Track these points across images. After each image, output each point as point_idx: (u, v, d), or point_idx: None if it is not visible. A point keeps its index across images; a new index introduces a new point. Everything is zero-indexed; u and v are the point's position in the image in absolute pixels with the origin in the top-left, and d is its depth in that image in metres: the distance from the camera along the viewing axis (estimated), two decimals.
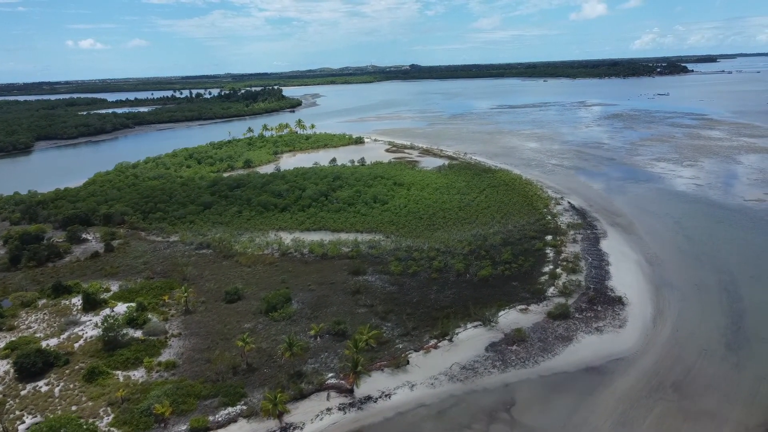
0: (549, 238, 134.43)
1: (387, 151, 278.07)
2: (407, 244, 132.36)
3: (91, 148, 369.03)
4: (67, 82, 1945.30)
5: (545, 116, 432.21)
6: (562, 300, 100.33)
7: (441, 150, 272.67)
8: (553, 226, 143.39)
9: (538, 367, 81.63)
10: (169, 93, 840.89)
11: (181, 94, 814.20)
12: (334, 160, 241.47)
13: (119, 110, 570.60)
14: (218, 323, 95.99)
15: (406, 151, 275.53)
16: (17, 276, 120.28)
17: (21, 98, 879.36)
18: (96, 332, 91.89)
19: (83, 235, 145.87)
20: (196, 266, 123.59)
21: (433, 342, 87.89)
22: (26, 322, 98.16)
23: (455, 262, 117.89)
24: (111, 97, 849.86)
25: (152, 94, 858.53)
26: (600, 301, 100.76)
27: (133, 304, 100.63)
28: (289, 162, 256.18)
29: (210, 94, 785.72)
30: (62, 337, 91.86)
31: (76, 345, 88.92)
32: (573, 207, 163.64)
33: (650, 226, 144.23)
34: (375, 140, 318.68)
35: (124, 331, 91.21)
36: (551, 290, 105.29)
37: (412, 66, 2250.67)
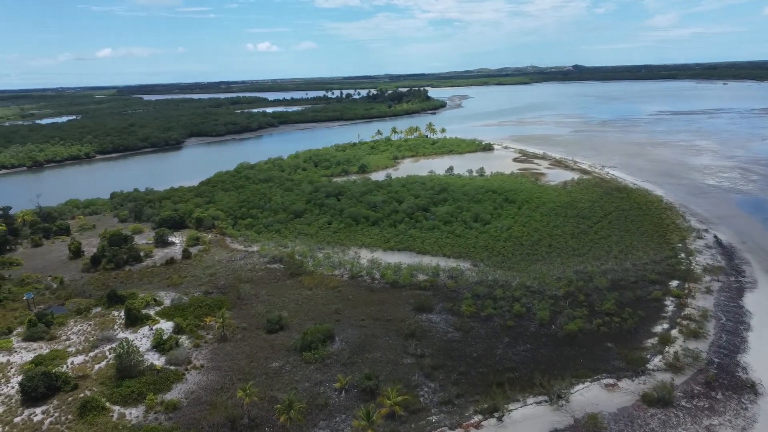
0: (674, 284, 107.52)
1: (514, 160, 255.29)
2: (494, 277, 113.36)
3: (233, 145, 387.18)
4: (242, 82, 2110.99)
5: (714, 125, 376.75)
6: (667, 377, 76.29)
7: (575, 162, 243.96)
8: (684, 267, 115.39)
9: None
10: (321, 93, 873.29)
11: (333, 94, 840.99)
12: (450, 168, 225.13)
13: (270, 109, 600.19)
14: (246, 358, 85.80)
15: (536, 161, 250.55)
16: (83, 280, 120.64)
17: (196, 96, 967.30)
18: None
19: (170, 239, 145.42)
20: (258, 283, 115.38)
21: (476, 419, 69.69)
22: (68, 333, 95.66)
23: (541, 307, 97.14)
24: (272, 96, 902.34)
25: (306, 93, 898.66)
26: (722, 386, 75.12)
27: (165, 325, 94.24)
28: (407, 168, 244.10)
29: (359, 94, 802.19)
30: (90, 355, 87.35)
31: (97, 366, 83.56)
32: (719, 243, 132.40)
33: None
34: (505, 147, 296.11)
35: (146, 356, 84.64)
36: (656, 361, 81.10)
37: (575, 66, 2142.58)
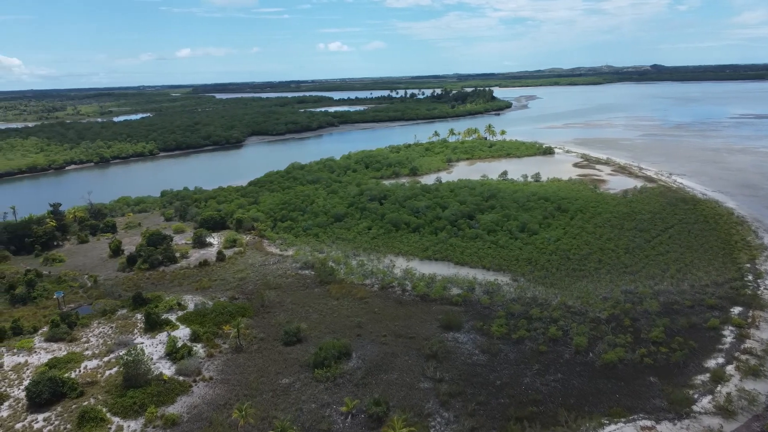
0: (736, 311, 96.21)
1: (575, 165, 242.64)
2: (533, 294, 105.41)
3: (292, 145, 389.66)
4: (312, 81, 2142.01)
5: None
6: (715, 423, 66.91)
7: (641, 168, 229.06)
8: (749, 292, 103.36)
9: None
10: (386, 93, 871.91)
11: (397, 94, 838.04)
12: (504, 173, 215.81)
13: (332, 109, 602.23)
14: (257, 371, 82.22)
15: (598, 167, 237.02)
16: (116, 279, 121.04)
17: (265, 95, 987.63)
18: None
19: (208, 240, 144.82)
20: (285, 290, 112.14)
21: None
22: (89, 335, 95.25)
23: (579, 332, 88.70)
24: (337, 95, 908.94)
25: (371, 93, 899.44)
26: None
27: (183, 331, 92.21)
28: (460, 172, 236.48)
29: (423, 94, 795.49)
30: (104, 360, 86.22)
31: (108, 372, 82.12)
32: None
33: None
34: (567, 151, 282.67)
35: (157, 365, 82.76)
36: (705, 402, 71.52)
37: (654, 66, 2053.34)
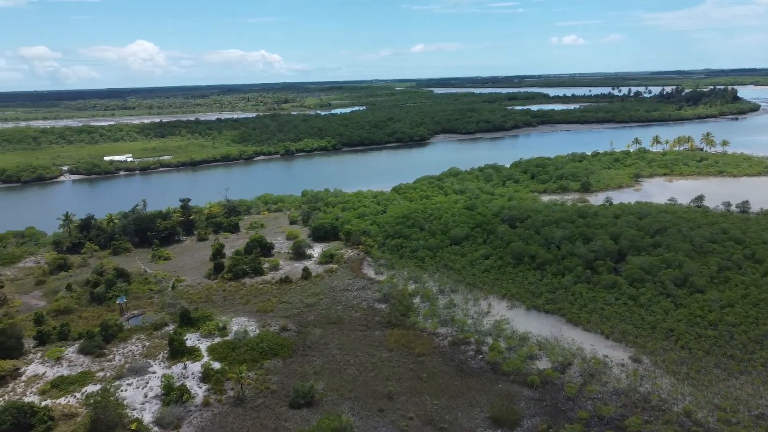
0: None
1: None
2: (650, 388, 74.87)
3: (480, 145, 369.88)
4: (539, 76, 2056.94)
5: None
6: None
7: None
8: None
9: None
10: (607, 90, 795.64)
11: (620, 92, 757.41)
12: (700, 197, 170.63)
13: (534, 107, 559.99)
14: None
15: None
16: (192, 288, 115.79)
17: (478, 91, 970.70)
18: (133, 394, 76.60)
19: (309, 251, 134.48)
20: (342, 329, 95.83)
21: None
22: (117, 352, 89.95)
23: None
24: (553, 92, 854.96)
25: (589, 90, 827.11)
26: None
27: (198, 366, 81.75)
28: (648, 190, 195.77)
29: (650, 93, 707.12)
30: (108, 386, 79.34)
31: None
32: None
33: None
34: None
35: (143, 405, 73.36)
36: None
37: None
